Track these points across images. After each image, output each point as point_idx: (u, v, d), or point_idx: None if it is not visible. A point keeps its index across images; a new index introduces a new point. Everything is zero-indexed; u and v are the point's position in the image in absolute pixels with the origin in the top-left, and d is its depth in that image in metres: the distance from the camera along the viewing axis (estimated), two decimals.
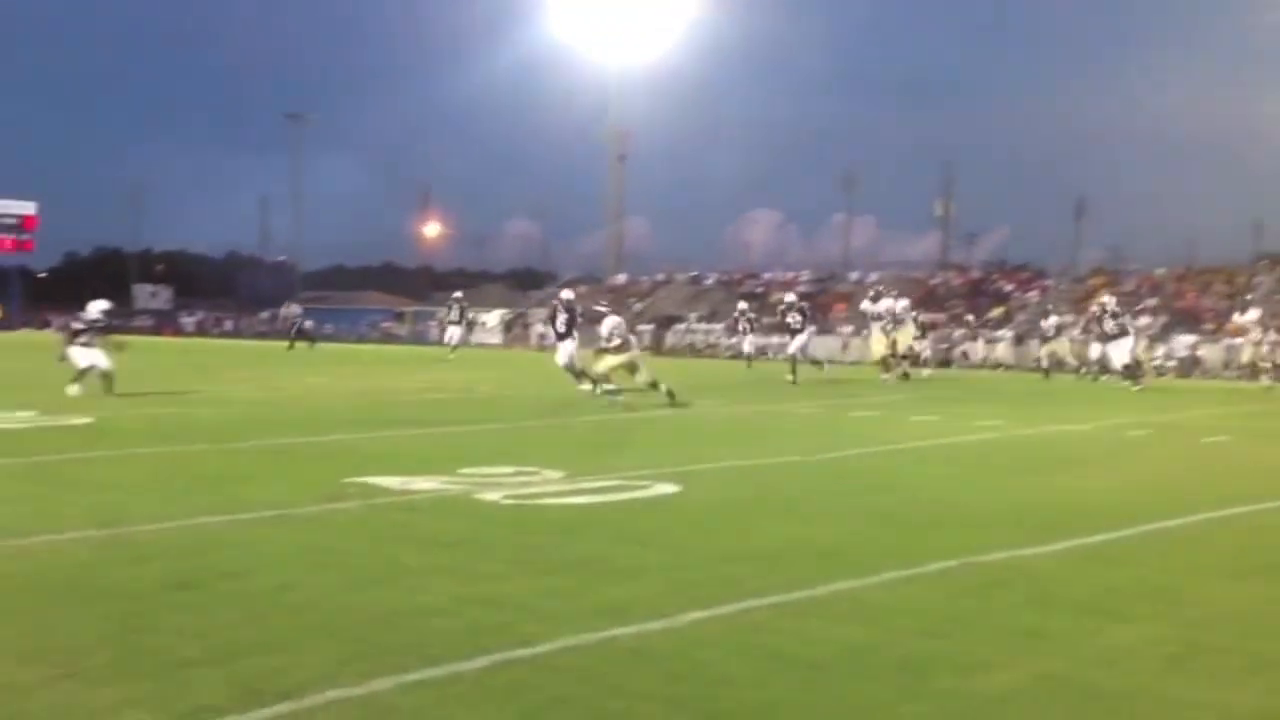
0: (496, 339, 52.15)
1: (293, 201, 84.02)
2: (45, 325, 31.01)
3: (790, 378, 24.73)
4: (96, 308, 19.43)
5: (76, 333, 19.01)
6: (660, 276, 58.95)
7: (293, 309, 45.32)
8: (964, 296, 46.75)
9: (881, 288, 30.51)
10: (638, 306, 55.75)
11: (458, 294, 37.59)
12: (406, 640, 5.21)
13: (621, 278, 60.30)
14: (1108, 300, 27.46)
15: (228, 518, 8.20)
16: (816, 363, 26.65)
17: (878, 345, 28.06)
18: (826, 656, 5.10)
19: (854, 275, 53.93)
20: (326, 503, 8.85)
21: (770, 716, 4.33)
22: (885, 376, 26.76)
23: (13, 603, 5.80)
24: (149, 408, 16.82)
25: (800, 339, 26.07)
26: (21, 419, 14.79)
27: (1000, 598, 6.30)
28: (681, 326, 46.91)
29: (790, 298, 27.93)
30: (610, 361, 18.36)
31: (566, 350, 21.53)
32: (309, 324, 42.96)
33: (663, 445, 13.57)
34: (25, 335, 31.57)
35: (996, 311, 43.74)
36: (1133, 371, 25.69)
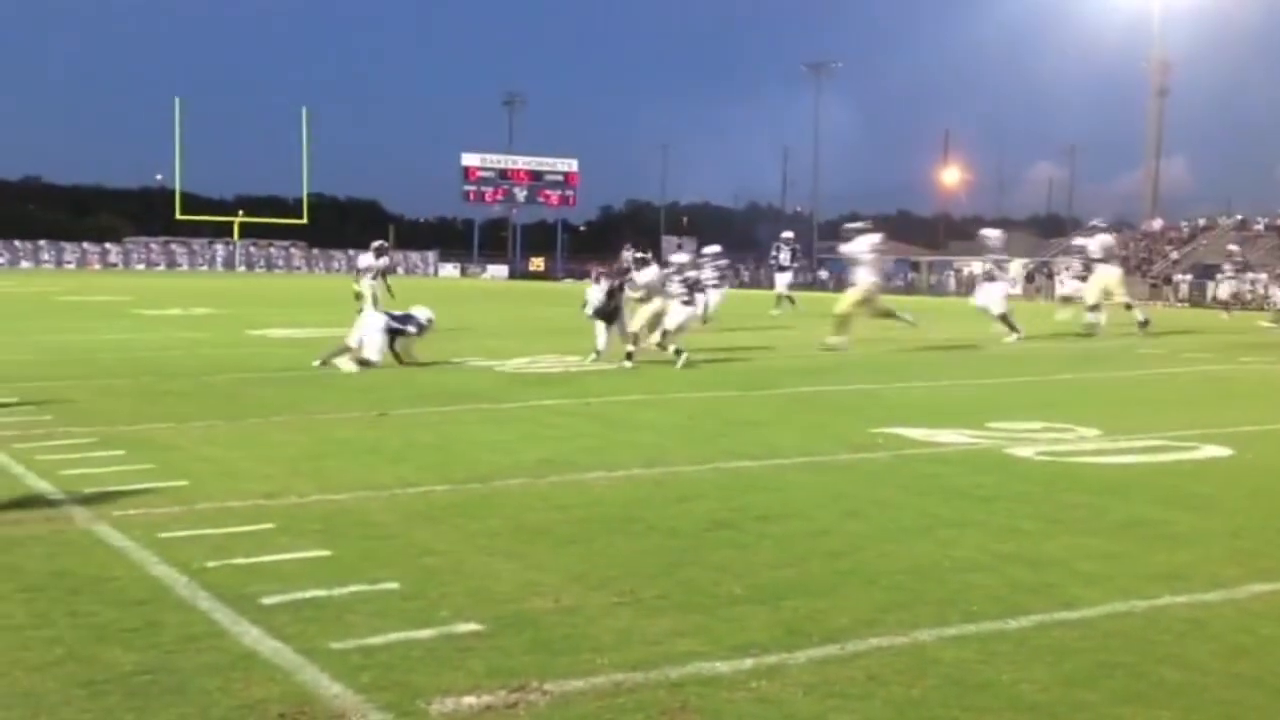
0: (1017, 290, 50.58)
1: (813, 151, 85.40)
2: (585, 275, 33.48)
3: None
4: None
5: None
6: (1201, 222, 54.76)
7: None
8: None
9: None
10: (1174, 255, 52.16)
11: (787, 234, 32.70)
12: (945, 594, 5.20)
13: (1157, 223, 56.60)
14: None
15: (761, 462, 8.52)
16: None
17: None
18: None
19: None
20: (856, 452, 8.99)
21: None
22: None
23: (577, 531, 6.34)
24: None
25: None
26: (569, 362, 16.05)
27: None
28: (1223, 276, 43.31)
29: None
30: (645, 313, 16.58)
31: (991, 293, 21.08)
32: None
33: (1207, 404, 12.64)
34: (569, 285, 34.37)
35: None
36: None
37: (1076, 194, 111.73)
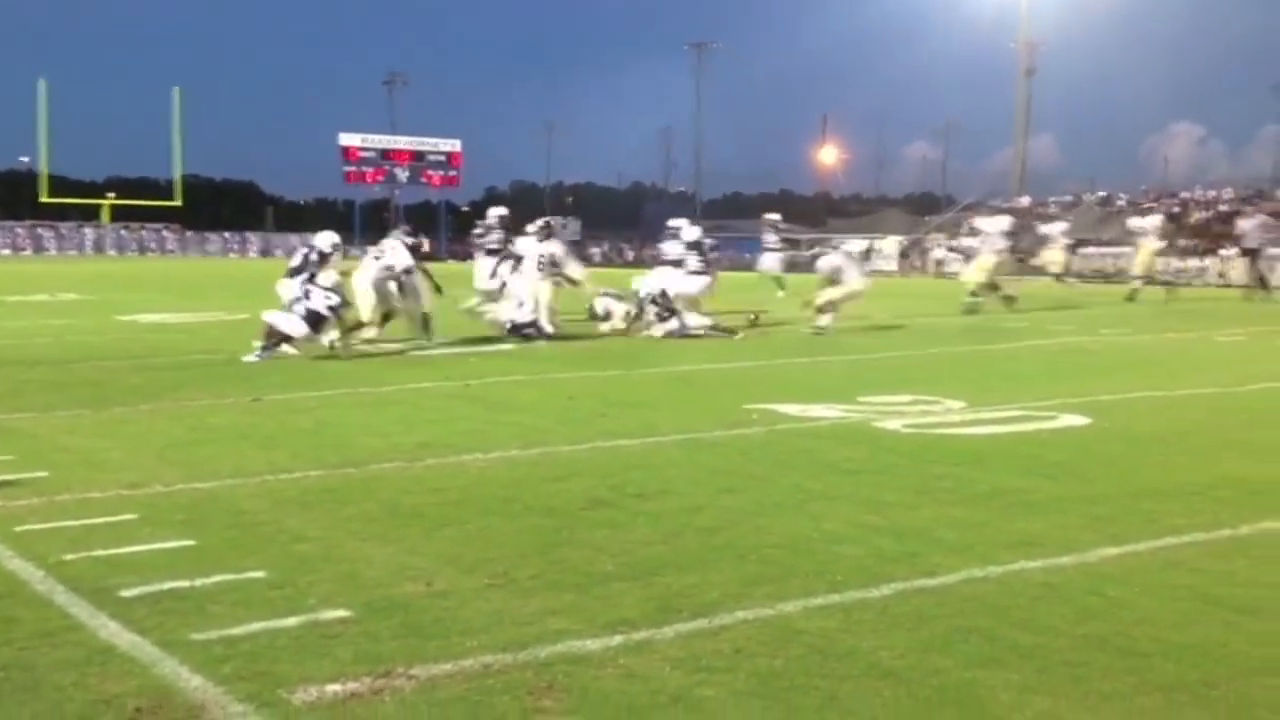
0: (893, 266, 51.50)
1: (696, 131, 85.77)
2: (469, 257, 33.29)
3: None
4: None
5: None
6: (1068, 198, 56.19)
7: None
8: None
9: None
10: (1043, 230, 53.46)
11: (772, 216, 30.50)
12: (813, 565, 5.30)
13: (1025, 200, 57.94)
14: None
15: (639, 441, 8.58)
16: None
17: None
18: (1256, 600, 4.79)
19: None
20: (731, 428, 9.10)
21: (1195, 660, 4.11)
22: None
23: (452, 514, 6.33)
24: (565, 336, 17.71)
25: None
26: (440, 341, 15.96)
27: None
28: (1090, 251, 44.55)
29: None
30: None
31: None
32: None
33: (1067, 375, 13.03)
34: (450, 266, 34.19)
35: None
36: None
37: (950, 172, 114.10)
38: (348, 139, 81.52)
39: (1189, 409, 10.30)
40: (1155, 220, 29.00)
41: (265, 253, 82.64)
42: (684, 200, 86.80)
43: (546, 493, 6.84)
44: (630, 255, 69.71)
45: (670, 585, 5.00)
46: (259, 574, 5.17)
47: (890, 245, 53.83)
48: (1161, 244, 28.42)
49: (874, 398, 10.59)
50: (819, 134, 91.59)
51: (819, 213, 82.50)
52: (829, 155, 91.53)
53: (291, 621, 4.55)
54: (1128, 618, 4.59)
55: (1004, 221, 25.21)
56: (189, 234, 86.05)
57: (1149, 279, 27.75)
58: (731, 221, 79.77)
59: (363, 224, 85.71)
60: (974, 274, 23.65)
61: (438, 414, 9.94)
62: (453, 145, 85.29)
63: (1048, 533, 5.88)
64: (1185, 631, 4.43)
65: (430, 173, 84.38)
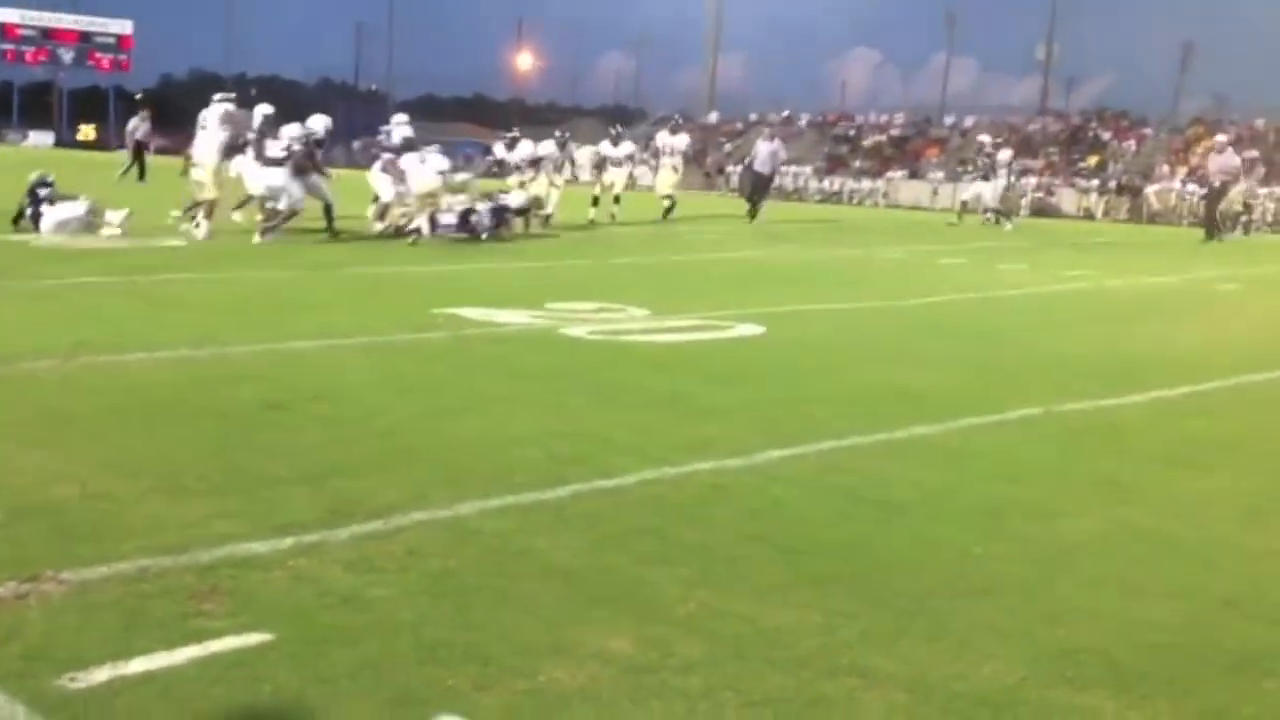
0: (587, 176, 51.82)
1: (388, 29, 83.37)
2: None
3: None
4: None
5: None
6: (753, 117, 57.94)
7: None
8: (1062, 144, 45.50)
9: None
10: (728, 147, 55.01)
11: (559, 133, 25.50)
12: (492, 468, 5.31)
13: (714, 117, 59.42)
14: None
15: (318, 343, 8.35)
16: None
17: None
18: (904, 499, 5.13)
19: (949, 119, 52.60)
20: (416, 332, 8.99)
21: (845, 555, 4.37)
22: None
23: (113, 419, 5.99)
24: (246, 233, 17.00)
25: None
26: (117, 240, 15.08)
27: (1081, 446, 6.27)
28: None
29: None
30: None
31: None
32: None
33: (747, 287, 13.52)
34: (122, 155, 32.12)
35: (1092, 160, 42.57)
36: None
37: (643, 86, 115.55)
38: (6, 14, 75.03)
39: (856, 321, 10.89)
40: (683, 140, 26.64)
41: None
42: (375, 99, 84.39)
43: (217, 396, 6.57)
44: (320, 154, 67.24)
45: (345, 489, 4.90)
46: None
47: (584, 155, 54.17)
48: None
49: (562, 304, 10.67)
50: (515, 39, 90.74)
51: (513, 119, 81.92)
52: (524, 61, 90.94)
53: None
54: (788, 516, 4.82)
55: (684, 140, 26.06)
56: None
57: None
58: (424, 124, 78.25)
59: (22, 107, 79.38)
60: (661, 187, 24.27)
61: (99, 311, 9.37)
62: (123, 26, 79.78)
63: (720, 435, 6.10)
64: (838, 529, 4.70)
65: (99, 55, 78.82)
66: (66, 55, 77.58)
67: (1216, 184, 25.71)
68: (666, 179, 25.14)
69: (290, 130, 16.61)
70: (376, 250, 15.75)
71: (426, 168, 17.13)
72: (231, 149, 16.12)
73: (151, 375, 7.05)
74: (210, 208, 16.18)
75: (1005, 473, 5.63)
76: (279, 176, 16.03)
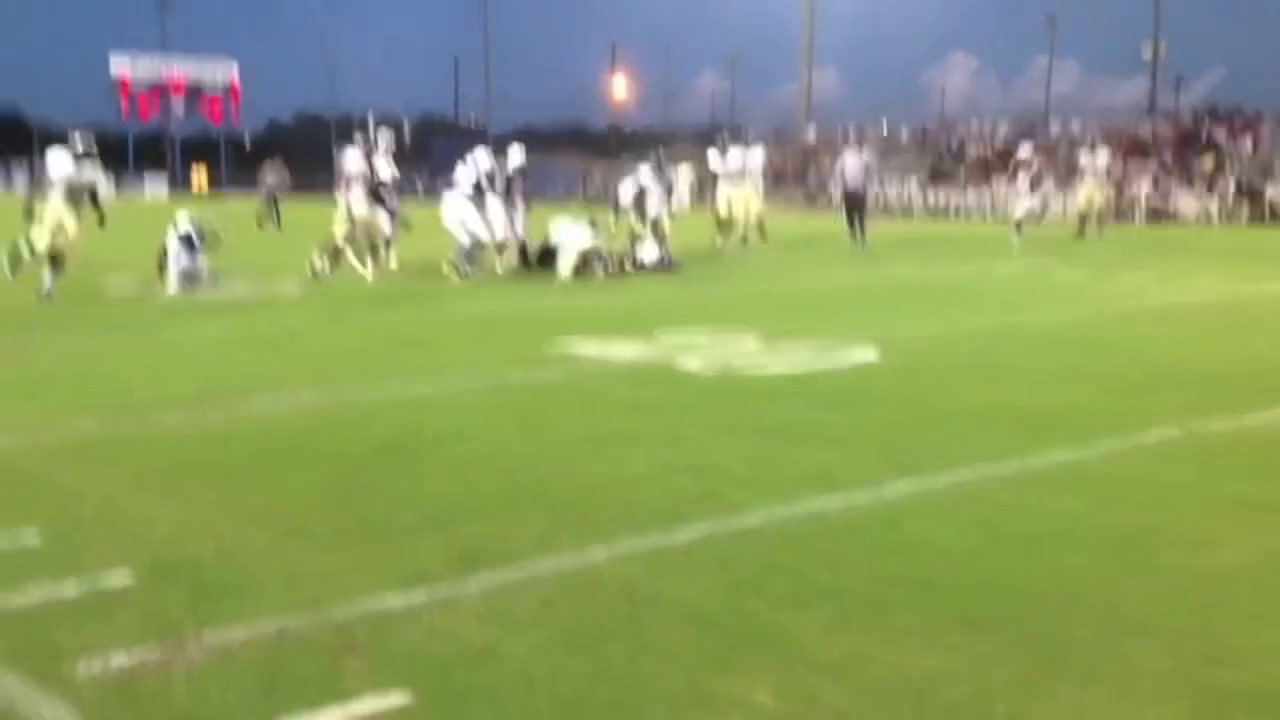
0: (686, 199, 51.76)
1: (484, 62, 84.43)
2: (253, 187, 31.93)
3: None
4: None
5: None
6: (852, 133, 57.45)
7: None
8: (1174, 146, 44.38)
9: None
10: (828, 163, 54.63)
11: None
12: (617, 507, 5.26)
13: (811, 132, 59.08)
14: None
15: (436, 383, 8.39)
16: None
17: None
18: (1042, 529, 4.96)
19: (1055, 125, 51.68)
20: (529, 368, 8.99)
21: (987, 593, 4.23)
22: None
23: (241, 464, 6.06)
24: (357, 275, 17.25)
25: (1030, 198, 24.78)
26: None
27: (1224, 468, 6.02)
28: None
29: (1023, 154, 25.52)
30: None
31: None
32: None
33: (858, 309, 13.36)
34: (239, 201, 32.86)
35: (1207, 161, 41.42)
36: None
37: (738, 104, 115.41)
38: (119, 66, 77.39)
39: (974, 340, 10.66)
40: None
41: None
42: (474, 133, 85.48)
43: (340, 439, 6.63)
44: (420, 187, 68.33)
45: (472, 534, 4.89)
46: (32, 536, 4.85)
47: (684, 177, 54.15)
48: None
49: (672, 334, 10.62)
50: (609, 64, 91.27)
51: (612, 145, 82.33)
52: (620, 88, 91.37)
53: (70, 588, 4.27)
54: (924, 552, 4.68)
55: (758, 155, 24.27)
56: None
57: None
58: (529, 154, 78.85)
59: (137, 157, 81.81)
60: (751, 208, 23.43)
61: (223, 359, 9.54)
62: (229, 68, 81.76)
63: (843, 464, 5.98)
64: (976, 563, 4.56)
65: (209, 104, 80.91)
66: (178, 107, 79.74)
67: None
68: (752, 200, 23.73)
69: (479, 161, 17.23)
70: (485, 287, 15.85)
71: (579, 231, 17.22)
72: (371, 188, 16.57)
73: (275, 421, 7.14)
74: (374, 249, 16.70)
75: (1147, 499, 5.42)
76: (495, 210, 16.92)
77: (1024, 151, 25.79)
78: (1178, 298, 14.23)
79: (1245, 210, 36.67)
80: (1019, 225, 24.14)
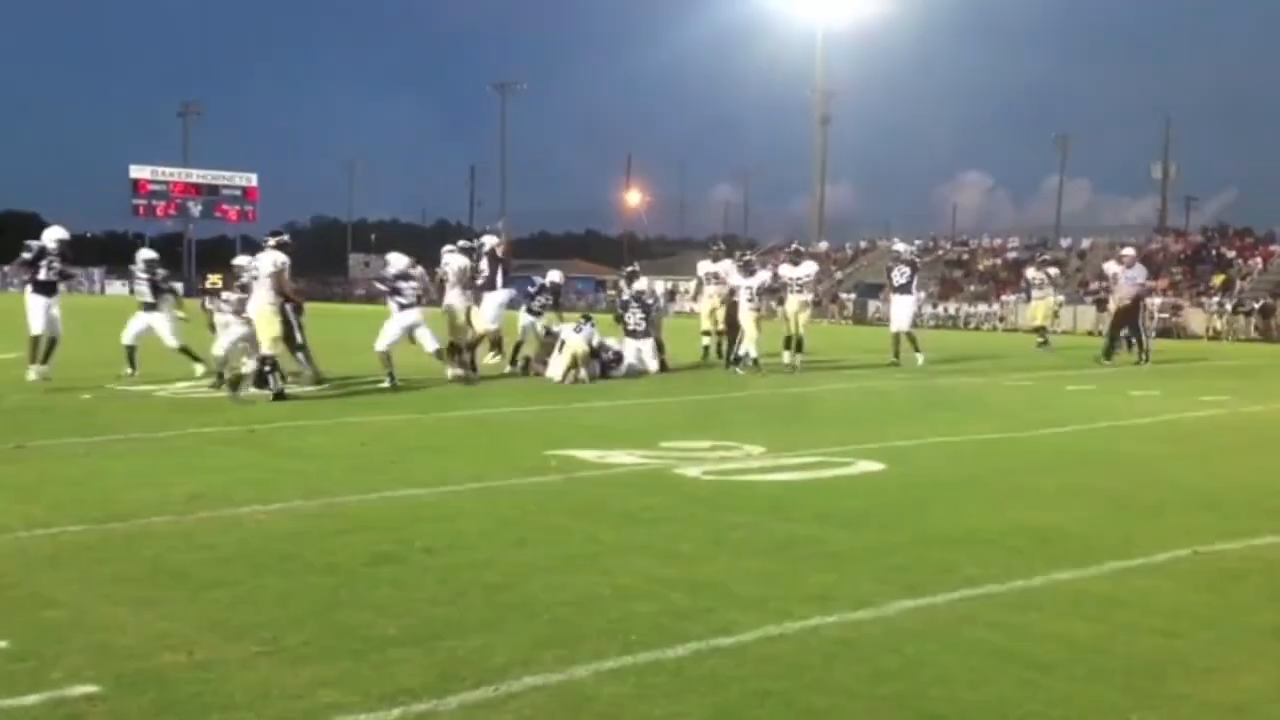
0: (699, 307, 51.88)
1: (499, 170, 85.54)
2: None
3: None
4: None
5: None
6: (863, 244, 57.89)
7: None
8: (1183, 263, 44.55)
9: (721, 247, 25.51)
10: (839, 275, 54.96)
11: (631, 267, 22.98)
12: (606, 624, 5.08)
13: (823, 244, 59.50)
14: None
15: (432, 490, 8.24)
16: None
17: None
18: (1049, 655, 4.76)
19: (1066, 241, 51.97)
20: (528, 475, 8.84)
21: (988, 719, 4.03)
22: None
23: (222, 573, 5.89)
24: (353, 378, 17.19)
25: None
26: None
27: (1237, 592, 5.83)
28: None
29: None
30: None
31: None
32: None
33: (864, 420, 13.20)
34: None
35: (1218, 279, 41.51)
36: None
37: (752, 216, 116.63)
38: (138, 171, 78.57)
39: (981, 455, 10.48)
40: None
41: None
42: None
43: (328, 548, 6.46)
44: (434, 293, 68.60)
45: (455, 650, 4.71)
46: (0, 644, 4.68)
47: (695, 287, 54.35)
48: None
49: (675, 443, 10.48)
50: (624, 175, 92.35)
51: (625, 254, 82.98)
52: (634, 197, 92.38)
53: (33, 700, 4.11)
54: (924, 676, 4.49)
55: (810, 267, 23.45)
56: None
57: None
58: (540, 262, 79.73)
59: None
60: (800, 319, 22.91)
61: (217, 461, 9.40)
62: (248, 179, 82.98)
63: (843, 584, 5.79)
64: (980, 690, 4.36)
65: (225, 207, 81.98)
66: (194, 208, 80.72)
67: None
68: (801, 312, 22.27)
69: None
70: (489, 391, 15.77)
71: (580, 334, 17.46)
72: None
73: (264, 528, 6.98)
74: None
75: (1157, 624, 5.22)
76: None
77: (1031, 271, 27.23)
78: (1188, 414, 14.05)
79: (1254, 326, 36.66)
80: (1044, 337, 26.07)
